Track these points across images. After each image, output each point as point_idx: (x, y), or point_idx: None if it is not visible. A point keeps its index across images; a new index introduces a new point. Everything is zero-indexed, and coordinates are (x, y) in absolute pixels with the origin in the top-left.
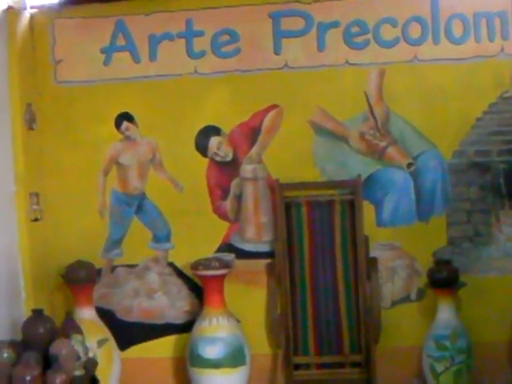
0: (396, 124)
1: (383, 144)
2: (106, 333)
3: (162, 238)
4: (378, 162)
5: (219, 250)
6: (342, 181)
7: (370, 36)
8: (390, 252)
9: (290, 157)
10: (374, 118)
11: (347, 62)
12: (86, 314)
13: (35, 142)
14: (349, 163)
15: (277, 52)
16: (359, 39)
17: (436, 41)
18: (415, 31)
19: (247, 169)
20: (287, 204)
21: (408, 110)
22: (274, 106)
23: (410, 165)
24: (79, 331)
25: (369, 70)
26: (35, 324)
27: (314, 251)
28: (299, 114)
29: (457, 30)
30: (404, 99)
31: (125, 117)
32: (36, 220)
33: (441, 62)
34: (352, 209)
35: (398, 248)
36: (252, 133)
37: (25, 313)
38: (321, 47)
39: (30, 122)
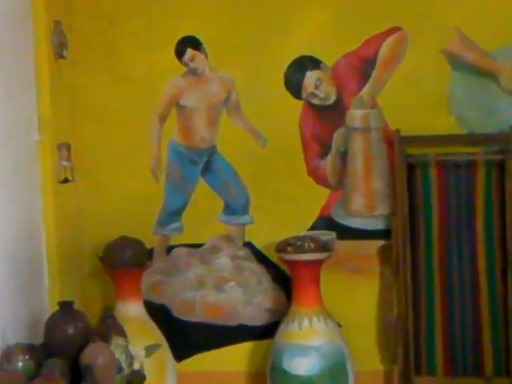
0: None
1: None
2: (157, 336)
3: (236, 208)
4: None
5: (315, 226)
6: (487, 134)
7: None
8: None
9: (416, 100)
10: None
11: None
12: (132, 310)
13: (66, 76)
14: (498, 110)
15: None
16: None
17: None
18: None
19: (356, 115)
20: (410, 165)
21: None
22: (395, 30)
23: None
24: (121, 333)
25: None
26: (62, 322)
27: (447, 230)
28: (429, 41)
29: None
30: None
31: (189, 42)
32: (66, 181)
33: None
34: (501, 173)
35: None
36: (363, 66)
37: (48, 307)
38: None
39: (60, 47)
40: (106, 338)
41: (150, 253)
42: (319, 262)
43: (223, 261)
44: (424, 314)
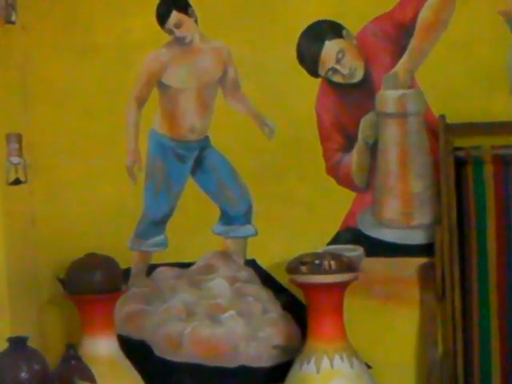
0: None
1: None
2: (134, 381)
3: (236, 216)
4: None
5: (337, 239)
6: None
7: None
8: None
9: (466, 76)
10: None
11: None
12: (102, 348)
13: (16, 46)
14: None
15: None
16: None
17: None
18: None
19: (389, 97)
20: (459, 160)
21: None
22: None
23: None
24: (88, 377)
25: None
26: (12, 363)
27: (506, 244)
28: (483, 0)
29: None
30: None
31: (174, 3)
32: (17, 182)
33: None
34: None
35: None
36: (398, 34)
37: None
38: None
39: (7, 9)
40: (68, 383)
41: (125, 274)
42: (342, 286)
43: (219, 284)
44: (477, 351)
